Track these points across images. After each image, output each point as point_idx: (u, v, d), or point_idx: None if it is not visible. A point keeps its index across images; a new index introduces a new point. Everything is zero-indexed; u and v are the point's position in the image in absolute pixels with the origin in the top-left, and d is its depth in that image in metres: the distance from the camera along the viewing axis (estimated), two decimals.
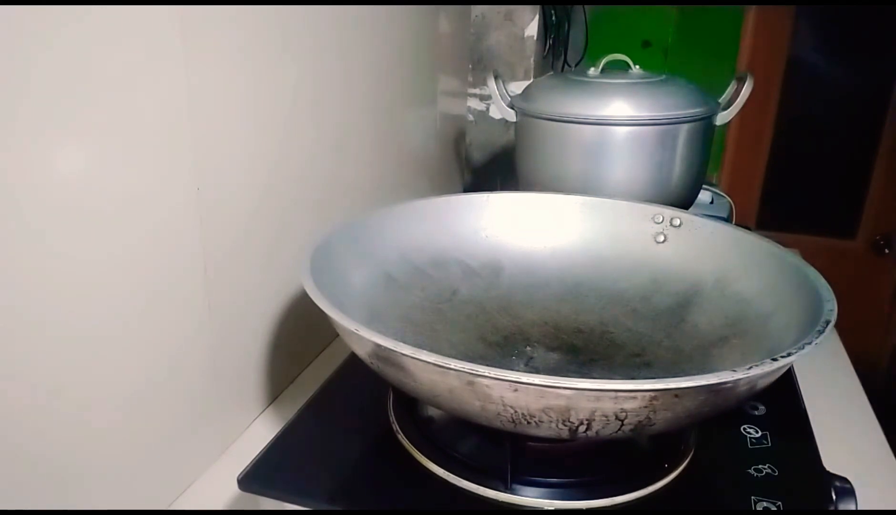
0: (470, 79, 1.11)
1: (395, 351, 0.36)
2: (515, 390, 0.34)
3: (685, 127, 0.75)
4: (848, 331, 0.75)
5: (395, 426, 0.48)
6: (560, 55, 1.21)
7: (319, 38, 0.62)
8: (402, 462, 0.45)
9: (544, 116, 0.78)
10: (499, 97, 0.83)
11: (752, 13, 1.40)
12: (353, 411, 0.52)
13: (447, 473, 0.44)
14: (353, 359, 0.46)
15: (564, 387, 0.33)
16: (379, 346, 0.37)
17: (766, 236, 0.55)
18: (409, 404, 0.50)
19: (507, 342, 0.55)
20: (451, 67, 1.01)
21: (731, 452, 0.48)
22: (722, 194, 1.01)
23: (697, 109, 0.75)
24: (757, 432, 0.49)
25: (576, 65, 1.26)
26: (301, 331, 0.66)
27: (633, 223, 0.63)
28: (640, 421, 0.35)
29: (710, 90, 0.79)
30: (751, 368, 0.35)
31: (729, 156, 1.51)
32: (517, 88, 0.88)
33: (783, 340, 0.44)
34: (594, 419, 0.35)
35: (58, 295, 0.38)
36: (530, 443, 0.44)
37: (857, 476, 0.44)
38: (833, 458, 0.47)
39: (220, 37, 0.49)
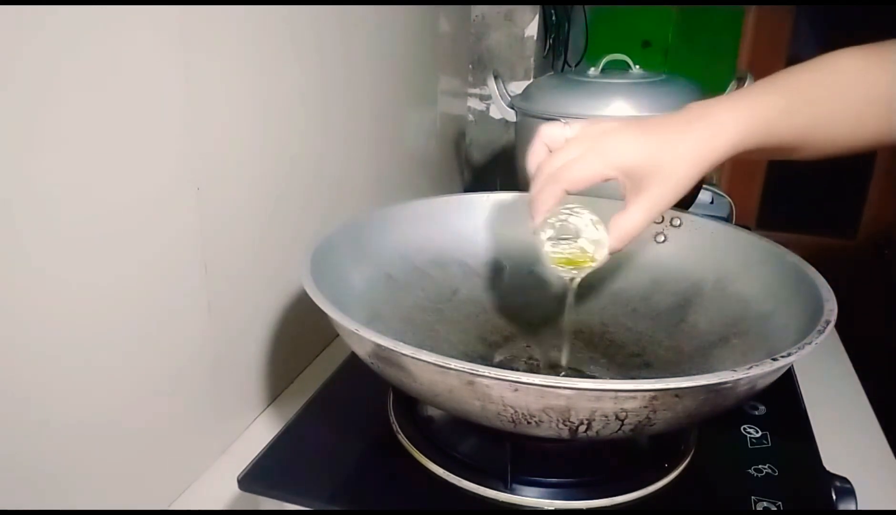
0: (470, 79, 1.11)
1: (395, 351, 0.36)
2: (515, 390, 0.34)
3: None
4: (848, 331, 0.75)
5: (395, 427, 0.48)
6: (560, 55, 1.21)
7: (319, 39, 0.62)
8: (402, 462, 0.45)
9: (544, 115, 0.78)
10: (499, 97, 0.83)
11: (752, 13, 1.40)
12: (353, 411, 0.52)
13: (447, 473, 0.44)
14: (353, 359, 0.46)
15: (564, 387, 0.33)
16: (379, 346, 0.37)
17: (766, 236, 0.55)
18: (409, 404, 0.50)
19: (507, 342, 0.55)
20: (451, 67, 1.01)
21: (731, 452, 0.48)
22: (722, 193, 1.01)
23: None
24: (757, 432, 0.49)
25: (576, 65, 1.27)
26: (301, 331, 0.66)
27: None
28: (640, 421, 0.35)
29: (710, 90, 0.79)
30: (751, 368, 0.35)
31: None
32: (517, 88, 0.88)
33: (783, 340, 0.44)
34: (594, 419, 0.35)
35: (57, 295, 0.38)
36: (530, 443, 0.44)
37: (857, 476, 0.44)
38: (833, 458, 0.47)
39: (220, 37, 0.49)
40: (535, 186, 0.45)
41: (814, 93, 0.44)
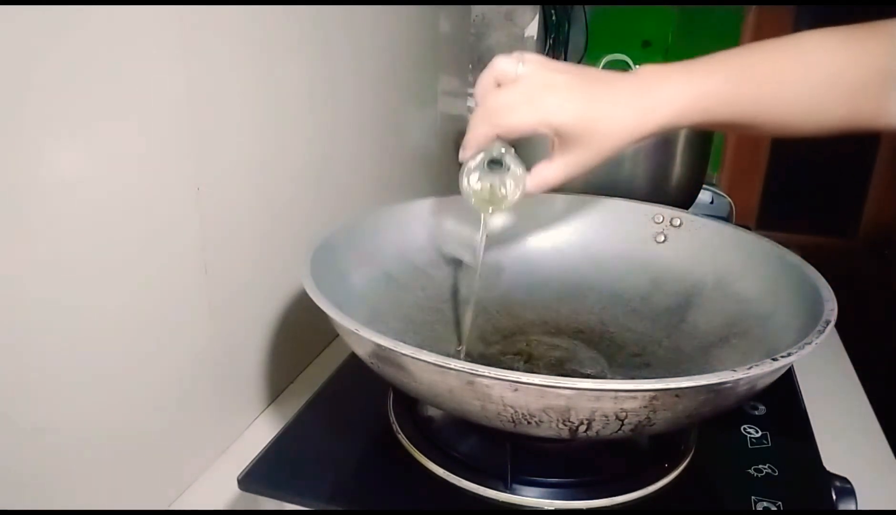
0: (470, 79, 1.11)
1: (395, 351, 0.36)
2: (515, 390, 0.34)
3: None
4: (848, 331, 0.75)
5: (395, 427, 0.48)
6: (560, 55, 1.21)
7: (319, 39, 0.62)
8: (402, 462, 0.45)
9: None
10: None
11: (752, 13, 1.40)
12: (353, 411, 0.52)
13: (447, 473, 0.44)
14: (353, 359, 0.46)
15: (564, 387, 0.33)
16: (379, 346, 0.37)
17: (766, 236, 0.55)
18: (409, 404, 0.50)
19: (507, 342, 0.55)
20: (451, 67, 1.01)
21: (731, 452, 0.48)
22: (722, 194, 1.01)
23: None
24: (757, 432, 0.49)
25: None
26: (301, 331, 0.66)
27: (633, 223, 0.63)
28: (640, 421, 0.35)
29: None
30: (751, 368, 0.35)
31: (729, 156, 1.51)
32: None
33: (783, 340, 0.44)
34: (594, 419, 0.35)
35: (57, 296, 0.38)
36: (530, 443, 0.44)
37: (857, 476, 0.44)
38: (833, 458, 0.47)
39: (220, 37, 0.48)
40: (473, 120, 0.46)
41: (770, 71, 0.43)
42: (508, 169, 0.48)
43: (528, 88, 0.44)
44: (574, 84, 0.44)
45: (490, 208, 0.50)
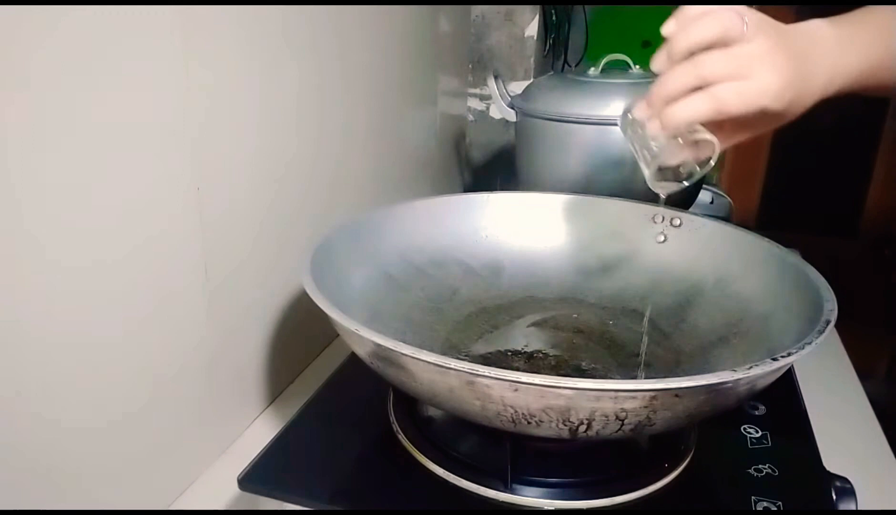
0: (470, 79, 1.11)
1: (395, 351, 0.36)
2: (515, 390, 0.34)
3: None
4: (848, 331, 0.75)
5: (395, 426, 0.48)
6: (560, 55, 1.21)
7: (320, 38, 0.62)
8: (402, 462, 0.45)
9: (544, 116, 0.78)
10: (499, 97, 0.83)
11: None
12: (353, 411, 0.52)
13: (447, 473, 0.44)
14: (353, 359, 0.46)
15: (564, 387, 0.33)
16: (379, 346, 0.37)
17: (766, 236, 0.55)
18: (409, 404, 0.50)
19: (507, 342, 0.56)
20: (451, 67, 1.01)
21: (731, 452, 0.48)
22: (722, 194, 1.01)
23: None
24: (757, 432, 0.49)
25: (576, 65, 1.26)
26: (301, 331, 0.66)
27: (633, 223, 0.63)
28: (640, 421, 0.35)
29: None
30: (751, 368, 0.35)
31: (729, 156, 1.51)
32: (517, 88, 0.88)
33: (783, 340, 0.44)
34: (594, 419, 0.35)
35: (57, 297, 0.38)
36: (530, 443, 0.44)
37: (857, 476, 0.44)
38: (833, 458, 0.47)
39: (220, 37, 0.48)
40: (682, 78, 0.42)
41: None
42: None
43: (750, 58, 0.41)
44: (791, 63, 0.43)
45: (673, 186, 0.48)
